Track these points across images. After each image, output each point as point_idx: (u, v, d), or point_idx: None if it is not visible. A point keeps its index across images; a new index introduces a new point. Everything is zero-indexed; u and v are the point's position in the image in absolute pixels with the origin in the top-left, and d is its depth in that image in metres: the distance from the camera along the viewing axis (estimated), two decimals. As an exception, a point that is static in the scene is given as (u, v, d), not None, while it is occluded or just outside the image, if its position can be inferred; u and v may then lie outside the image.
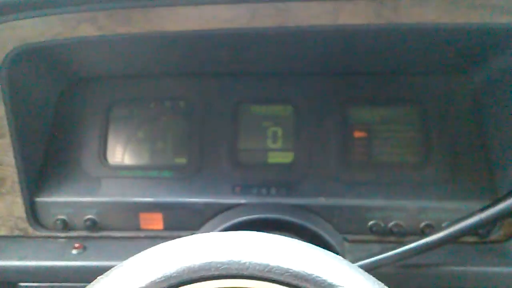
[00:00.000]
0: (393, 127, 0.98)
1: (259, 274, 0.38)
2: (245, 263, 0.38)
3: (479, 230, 0.92)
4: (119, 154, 1.00)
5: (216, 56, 0.96)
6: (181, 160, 1.00)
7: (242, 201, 0.95)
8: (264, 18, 0.78)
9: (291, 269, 0.38)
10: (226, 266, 0.38)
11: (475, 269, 0.87)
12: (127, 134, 1.00)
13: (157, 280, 0.37)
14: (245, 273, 0.38)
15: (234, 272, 0.38)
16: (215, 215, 0.94)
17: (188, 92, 1.01)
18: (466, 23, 0.76)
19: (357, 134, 0.99)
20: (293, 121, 1.00)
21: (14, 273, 0.89)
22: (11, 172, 0.90)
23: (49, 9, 0.78)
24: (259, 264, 0.38)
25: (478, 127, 0.95)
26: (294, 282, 0.38)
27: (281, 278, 0.38)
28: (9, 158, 0.89)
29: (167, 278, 0.38)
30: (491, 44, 0.86)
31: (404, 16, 0.76)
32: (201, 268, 0.38)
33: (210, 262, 0.38)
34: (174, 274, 0.38)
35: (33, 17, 0.79)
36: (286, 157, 0.99)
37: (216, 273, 0.38)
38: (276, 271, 0.38)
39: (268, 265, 0.38)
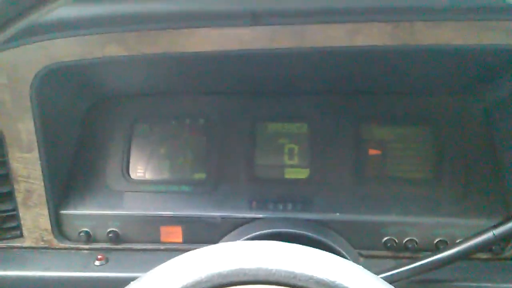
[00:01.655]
0: (406, 145, 1.01)
1: (285, 280, 0.40)
2: (271, 269, 0.41)
3: (493, 247, 0.93)
4: (141, 169, 1.03)
5: (235, 76, 0.99)
6: (200, 176, 1.03)
7: (259, 215, 0.97)
8: (283, 39, 0.82)
9: (315, 276, 0.40)
10: (254, 272, 0.40)
11: (488, 285, 0.88)
12: (149, 150, 1.04)
13: (188, 285, 0.40)
14: (272, 279, 0.40)
15: (262, 278, 0.40)
16: (233, 229, 0.97)
17: (207, 110, 1.05)
18: (479, 44, 0.79)
19: (371, 151, 1.01)
20: (308, 139, 1.03)
21: (38, 283, 0.91)
22: (38, 186, 0.94)
23: (78, 30, 0.82)
24: (285, 271, 0.40)
25: (490, 145, 0.97)
26: (316, 288, 0.40)
27: (306, 285, 0.40)
28: (37, 172, 0.93)
29: (198, 283, 0.40)
30: (502, 65, 0.88)
31: (419, 38, 0.79)
32: (230, 274, 0.40)
33: (239, 269, 0.41)
34: (205, 280, 0.40)
35: (64, 37, 0.83)
36: (302, 173, 1.02)
37: (245, 278, 0.40)
38: (301, 278, 0.40)
39: (293, 272, 0.40)
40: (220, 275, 0.40)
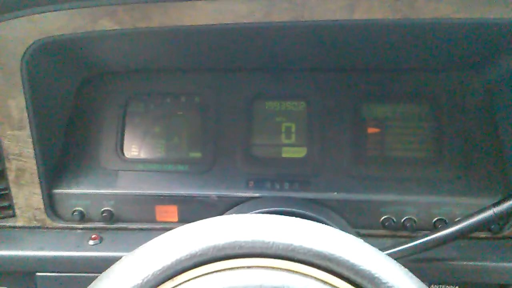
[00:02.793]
0: (406, 123, 0.99)
1: (282, 253, 0.39)
2: (269, 242, 0.39)
3: (492, 226, 0.92)
4: (136, 148, 1.01)
5: (231, 51, 0.97)
6: (196, 155, 1.01)
7: (256, 194, 0.96)
8: (280, 13, 0.79)
9: (314, 249, 0.39)
10: (250, 245, 0.39)
11: (487, 264, 0.87)
12: (143, 129, 1.02)
13: (183, 258, 0.39)
14: (269, 252, 0.39)
15: (258, 251, 0.39)
16: (229, 208, 0.95)
17: (203, 88, 1.03)
18: (482, 18, 0.76)
19: (370, 129, 0.99)
20: (306, 117, 1.01)
21: (32, 262, 0.90)
22: (30, 164, 0.92)
23: (69, 3, 0.80)
24: (283, 244, 0.39)
25: (491, 123, 0.96)
26: (317, 261, 0.38)
27: (305, 258, 0.39)
28: (29, 150, 0.91)
29: (193, 256, 0.39)
30: (504, 40, 0.86)
31: (420, 11, 0.77)
32: (226, 246, 0.39)
33: (235, 241, 0.39)
34: (200, 253, 0.39)
35: (54, 11, 0.80)
36: (299, 152, 1.00)
37: (241, 251, 0.39)
38: (300, 251, 0.39)
39: (291, 245, 0.39)
40: (215, 247, 0.39)
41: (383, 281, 0.38)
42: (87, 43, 0.90)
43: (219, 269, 0.39)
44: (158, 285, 0.38)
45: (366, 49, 0.94)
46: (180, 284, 0.38)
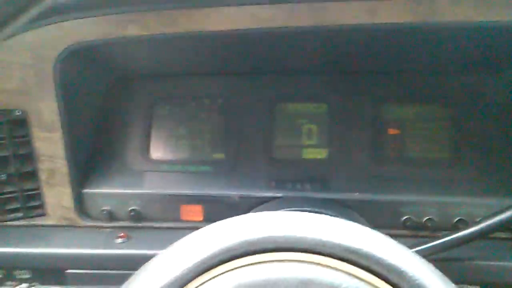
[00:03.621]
0: (426, 124, 1.00)
1: (313, 247, 0.41)
2: (299, 237, 0.41)
3: (512, 226, 0.92)
4: (161, 150, 1.04)
5: (253, 55, 0.99)
6: (219, 156, 1.04)
7: (278, 194, 0.98)
8: (301, 17, 0.82)
9: (342, 243, 0.41)
10: (282, 240, 0.41)
11: (507, 264, 0.88)
12: (169, 131, 1.05)
13: (220, 252, 0.41)
14: (300, 246, 0.41)
15: (290, 245, 0.41)
16: (251, 207, 0.97)
17: (226, 91, 1.06)
18: (502, 21, 0.78)
19: (390, 131, 1.01)
20: (327, 119, 1.03)
21: (62, 260, 0.93)
22: (61, 165, 0.95)
23: (99, 10, 0.83)
24: (313, 238, 0.41)
25: (510, 124, 0.96)
26: (346, 255, 0.41)
27: (333, 252, 0.41)
28: (59, 151, 0.94)
29: (229, 250, 0.41)
30: None
31: (441, 14, 0.78)
32: (260, 241, 0.41)
33: (268, 236, 0.41)
34: (235, 246, 0.41)
35: (85, 17, 0.84)
36: (320, 153, 1.02)
37: (273, 246, 0.41)
38: (329, 245, 0.41)
39: (321, 239, 0.41)
40: (249, 242, 0.41)
41: (409, 274, 0.40)
42: (115, 48, 0.93)
43: (254, 262, 0.41)
44: (194, 278, 0.40)
45: (386, 52, 0.95)
46: (216, 276, 0.40)
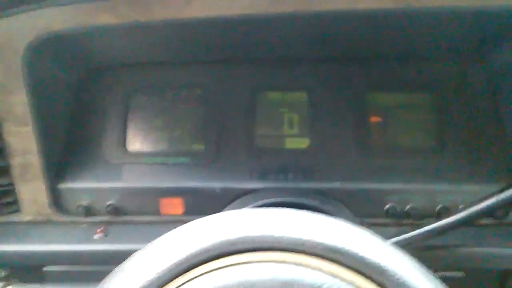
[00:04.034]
0: (410, 112, 0.99)
1: (293, 247, 0.39)
2: (278, 236, 0.39)
3: (496, 212, 0.92)
4: (139, 142, 1.01)
5: (233, 43, 0.97)
6: (199, 147, 1.01)
7: (260, 186, 0.96)
8: (282, 3, 0.79)
9: (323, 243, 0.39)
10: (261, 239, 0.39)
11: (491, 250, 0.88)
12: (146, 122, 1.02)
13: (196, 253, 0.39)
14: (280, 246, 0.39)
15: (269, 245, 0.39)
16: (233, 199, 0.96)
17: (204, 80, 1.03)
18: (485, 6, 0.76)
19: (374, 119, 1.00)
20: (309, 107, 1.01)
21: (39, 257, 0.91)
22: (34, 159, 0.92)
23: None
24: (293, 238, 0.39)
25: (494, 111, 0.96)
26: (327, 255, 0.39)
27: (315, 251, 0.39)
28: (32, 146, 0.91)
29: (205, 250, 0.39)
30: (508, 28, 0.86)
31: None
32: (237, 241, 0.39)
33: (246, 236, 0.39)
34: (212, 247, 0.39)
35: (54, 6, 0.80)
36: (302, 143, 1.00)
37: (252, 246, 0.39)
38: (309, 244, 0.39)
39: (301, 239, 0.39)
40: (227, 242, 0.39)
41: (391, 272, 0.38)
42: (88, 38, 0.89)
43: (231, 263, 0.39)
44: (172, 280, 0.38)
45: (369, 38, 0.94)
46: (193, 278, 0.39)
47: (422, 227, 0.82)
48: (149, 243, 0.43)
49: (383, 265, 0.38)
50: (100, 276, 0.45)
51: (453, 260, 0.88)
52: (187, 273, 0.39)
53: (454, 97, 0.98)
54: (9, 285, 0.90)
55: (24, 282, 0.93)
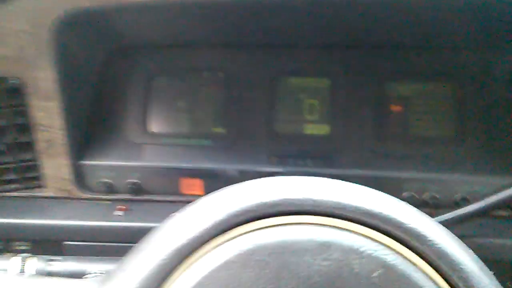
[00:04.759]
0: (430, 101, 0.99)
1: (331, 211, 0.40)
2: (317, 200, 0.40)
3: (513, 204, 0.93)
4: (160, 122, 1.03)
5: (255, 27, 0.97)
6: (220, 130, 1.02)
7: (278, 170, 0.97)
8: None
9: (362, 207, 0.40)
10: (300, 202, 0.40)
11: (507, 242, 0.88)
12: (168, 103, 1.03)
13: (237, 213, 0.40)
14: (318, 209, 0.40)
15: (308, 208, 0.40)
16: (253, 182, 0.96)
17: (227, 64, 1.04)
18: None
19: (394, 107, 1.00)
20: (330, 94, 1.01)
21: (59, 231, 0.92)
22: (59, 135, 0.93)
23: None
24: (332, 202, 0.40)
25: None
26: (365, 219, 0.40)
27: (353, 215, 0.40)
28: (57, 121, 0.92)
29: (245, 211, 0.40)
30: None
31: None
32: (278, 203, 0.40)
33: (286, 199, 0.40)
34: (252, 208, 0.40)
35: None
36: (322, 129, 1.01)
37: (291, 209, 0.40)
38: (348, 209, 0.40)
39: (340, 203, 0.40)
40: (267, 204, 0.40)
41: (430, 238, 0.39)
42: (114, 16, 0.91)
43: (271, 224, 0.40)
44: (213, 238, 0.39)
45: (390, 26, 0.94)
46: (234, 237, 0.39)
47: (440, 217, 0.83)
48: (188, 206, 0.44)
49: (422, 231, 0.39)
50: (120, 252, 0.45)
51: None
52: (227, 232, 0.40)
53: (475, 87, 0.98)
54: (32, 257, 0.91)
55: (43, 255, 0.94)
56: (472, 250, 0.87)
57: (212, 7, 0.87)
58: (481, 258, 0.88)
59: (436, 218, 0.83)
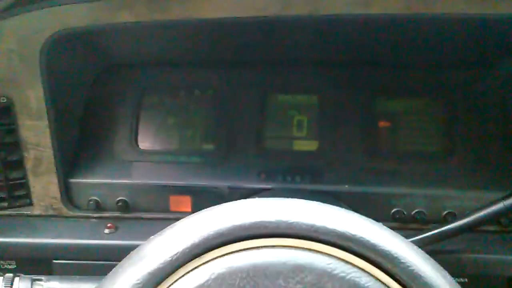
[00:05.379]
0: (418, 117, 1.00)
1: (305, 233, 0.40)
2: (292, 222, 0.41)
3: (501, 219, 0.93)
4: (150, 140, 1.03)
5: (245, 45, 0.99)
6: (209, 147, 1.03)
7: (268, 186, 0.97)
8: (296, 6, 0.81)
9: (336, 230, 0.40)
10: (274, 225, 0.40)
11: (495, 256, 0.88)
12: (158, 121, 1.04)
13: (210, 237, 0.40)
14: (292, 232, 0.40)
15: (282, 231, 0.40)
16: (241, 199, 0.96)
17: (216, 81, 1.04)
18: (495, 14, 0.78)
19: (382, 123, 1.01)
20: (318, 110, 1.02)
21: (48, 250, 0.92)
22: (47, 153, 0.93)
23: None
24: (306, 224, 0.40)
25: (504, 118, 0.96)
26: (339, 242, 0.40)
27: (327, 238, 0.40)
28: (46, 140, 0.93)
29: (220, 235, 0.40)
30: None
31: (433, 6, 0.78)
32: (251, 226, 0.40)
33: (260, 221, 0.41)
34: (226, 232, 0.40)
35: (74, 3, 0.82)
36: (311, 145, 1.01)
37: (265, 231, 0.41)
38: (322, 231, 0.40)
39: (314, 225, 0.40)
40: (241, 227, 0.40)
41: (403, 260, 0.39)
42: (104, 35, 0.92)
43: (245, 247, 0.40)
44: (186, 263, 0.40)
45: (379, 43, 0.95)
46: (208, 261, 0.40)
47: (427, 232, 0.83)
48: (164, 229, 0.45)
49: (394, 252, 0.39)
50: (109, 270, 0.45)
51: (457, 266, 0.88)
52: (201, 256, 0.40)
53: (463, 103, 0.99)
54: (16, 277, 0.91)
55: (32, 274, 0.93)
56: (461, 266, 0.88)
57: (201, 26, 0.88)
58: (470, 274, 0.88)
59: (424, 234, 0.83)
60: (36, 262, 0.92)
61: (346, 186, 0.96)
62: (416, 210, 0.95)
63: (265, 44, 0.97)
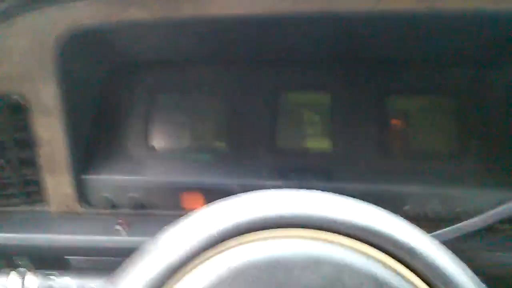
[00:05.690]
0: (431, 115, 0.99)
1: (324, 224, 0.40)
2: (310, 213, 0.40)
3: (517, 218, 0.92)
4: (162, 137, 1.03)
5: (257, 42, 0.98)
6: (221, 145, 1.03)
7: (279, 184, 0.97)
8: (306, 2, 0.80)
9: (354, 221, 0.40)
10: (292, 215, 0.40)
11: (508, 256, 0.87)
12: (169, 118, 1.04)
13: (227, 227, 0.40)
14: (309, 223, 0.40)
15: (301, 222, 0.40)
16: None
17: (229, 79, 1.04)
18: (508, 8, 0.77)
19: (395, 122, 1.00)
20: (331, 108, 1.02)
21: (61, 247, 0.92)
22: (60, 150, 0.94)
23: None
24: (325, 216, 0.40)
25: None
26: (357, 233, 0.40)
27: (345, 230, 0.40)
28: (59, 137, 0.93)
29: (237, 225, 0.40)
30: None
31: (446, 1, 0.77)
32: (269, 217, 0.40)
33: (277, 212, 0.40)
34: (243, 222, 0.40)
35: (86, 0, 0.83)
36: (323, 144, 1.01)
37: (282, 221, 0.40)
38: (341, 223, 0.40)
39: (333, 218, 0.40)
40: (258, 218, 0.40)
41: (420, 252, 0.39)
42: (117, 33, 0.92)
43: (261, 238, 0.40)
44: (202, 252, 0.39)
45: (392, 41, 0.95)
46: (223, 250, 0.40)
47: (441, 230, 0.82)
48: (181, 217, 0.45)
49: (412, 244, 0.39)
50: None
51: (470, 265, 0.87)
52: (218, 245, 0.40)
53: (476, 102, 0.98)
54: (28, 272, 0.92)
55: (44, 270, 0.94)
56: (474, 264, 0.86)
57: (212, 24, 0.88)
58: (483, 273, 0.87)
59: (438, 232, 0.82)
60: (48, 258, 0.93)
61: (359, 184, 0.95)
62: (429, 209, 0.94)
63: (276, 41, 0.97)
